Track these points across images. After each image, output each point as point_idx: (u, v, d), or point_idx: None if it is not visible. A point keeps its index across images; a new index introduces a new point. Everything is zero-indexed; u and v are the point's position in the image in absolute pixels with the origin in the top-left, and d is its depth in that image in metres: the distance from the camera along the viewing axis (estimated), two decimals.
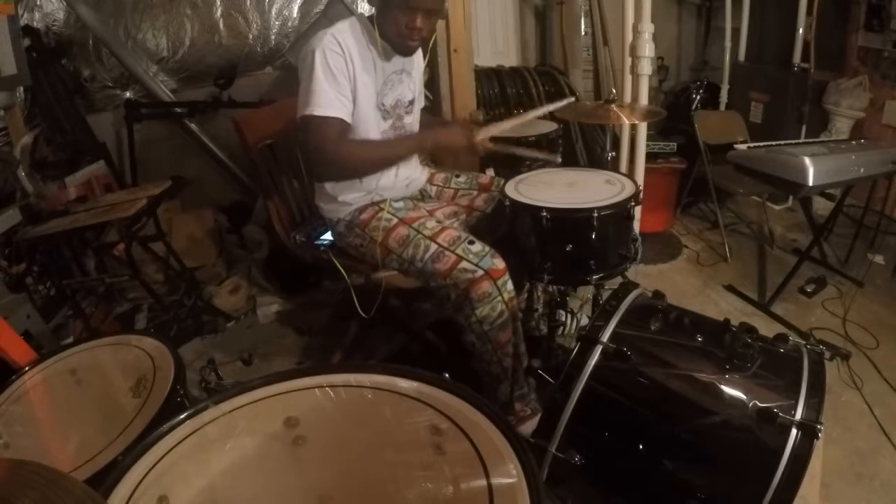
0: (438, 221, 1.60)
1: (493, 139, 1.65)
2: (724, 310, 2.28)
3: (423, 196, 1.84)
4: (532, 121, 1.95)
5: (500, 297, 1.47)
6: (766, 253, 2.78)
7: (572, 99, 1.99)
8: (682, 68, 4.20)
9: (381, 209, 1.62)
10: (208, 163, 3.02)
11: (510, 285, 1.49)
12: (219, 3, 2.80)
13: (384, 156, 1.60)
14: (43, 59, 2.50)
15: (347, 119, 1.50)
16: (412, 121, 1.74)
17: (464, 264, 1.46)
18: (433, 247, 1.51)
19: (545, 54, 3.77)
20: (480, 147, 1.61)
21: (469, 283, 1.45)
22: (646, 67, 2.21)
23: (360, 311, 1.65)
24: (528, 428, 1.52)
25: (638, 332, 1.12)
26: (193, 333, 2.28)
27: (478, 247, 1.49)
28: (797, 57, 3.15)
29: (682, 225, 3.13)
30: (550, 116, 2.10)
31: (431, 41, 1.61)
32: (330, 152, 1.48)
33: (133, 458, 0.84)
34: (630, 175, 2.04)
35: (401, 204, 1.69)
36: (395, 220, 1.60)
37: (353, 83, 1.50)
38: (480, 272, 1.45)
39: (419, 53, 1.74)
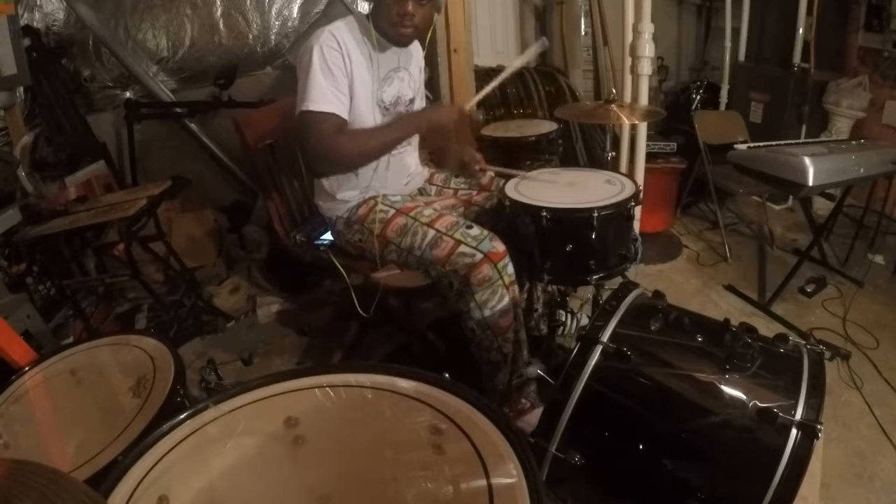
0: (435, 209, 1.60)
1: (487, 160, 1.69)
2: (724, 310, 2.28)
3: (421, 194, 1.84)
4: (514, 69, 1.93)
5: (500, 281, 1.45)
6: (766, 253, 2.78)
7: (544, 40, 1.97)
8: (682, 68, 4.19)
9: (378, 202, 1.62)
10: (208, 163, 3.02)
11: (511, 268, 1.47)
12: (219, 3, 2.80)
13: (381, 141, 1.57)
14: (43, 59, 2.50)
15: (344, 115, 1.50)
16: None
17: (462, 248, 1.45)
18: (431, 233, 1.50)
19: (545, 54, 3.77)
20: (470, 116, 1.61)
21: (469, 267, 1.44)
22: (646, 67, 2.21)
23: (359, 310, 1.65)
24: (527, 421, 1.52)
25: (638, 332, 1.12)
26: (193, 333, 2.28)
27: (476, 231, 1.48)
28: (797, 57, 3.14)
29: (682, 225, 3.13)
30: (550, 116, 2.10)
31: (428, 35, 1.61)
32: (326, 147, 1.48)
33: (133, 458, 0.84)
34: (630, 175, 2.05)
35: (398, 197, 1.69)
36: (392, 211, 1.59)
37: (350, 79, 1.50)
38: (480, 255, 1.44)
39: (418, 51, 1.74)
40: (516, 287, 1.52)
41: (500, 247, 1.46)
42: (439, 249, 1.48)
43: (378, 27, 1.53)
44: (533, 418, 1.51)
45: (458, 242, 1.46)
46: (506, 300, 1.47)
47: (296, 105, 1.50)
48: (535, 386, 1.62)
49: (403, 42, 1.56)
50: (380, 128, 1.61)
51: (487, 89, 1.67)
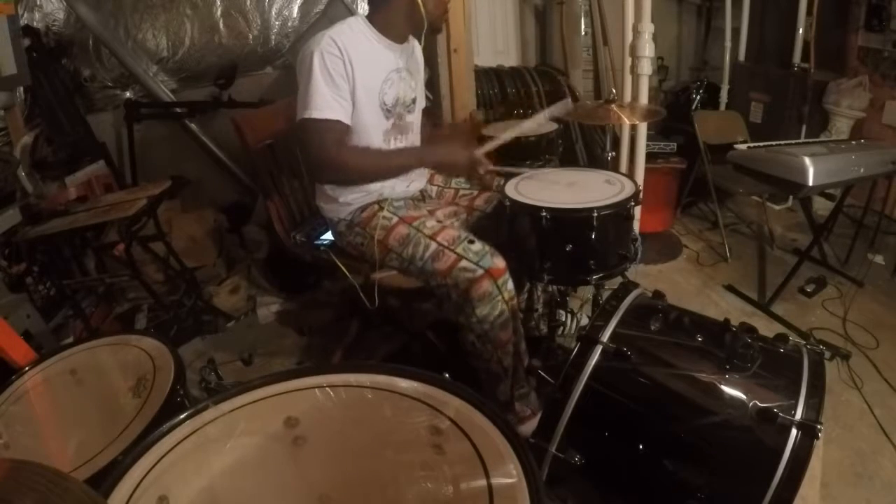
0: (438, 221, 1.60)
1: (488, 154, 1.66)
2: (724, 310, 2.28)
3: (423, 196, 1.84)
4: (532, 127, 1.96)
5: (500, 297, 1.46)
6: (766, 253, 2.78)
7: (568, 101, 1.99)
8: (682, 68, 4.20)
9: (382, 208, 1.62)
10: (208, 163, 3.02)
11: (510, 284, 1.49)
12: (219, 3, 2.80)
13: (384, 167, 1.60)
14: (43, 59, 2.50)
15: (346, 121, 1.50)
16: (414, 119, 1.73)
17: (464, 263, 1.46)
18: (433, 246, 1.51)
19: (545, 54, 3.77)
20: (481, 164, 1.61)
21: (469, 282, 1.45)
22: (646, 67, 2.21)
23: (365, 301, 1.65)
24: (528, 428, 1.52)
25: (638, 332, 1.12)
26: (193, 333, 2.28)
27: (478, 246, 1.49)
28: (797, 57, 3.15)
29: (682, 225, 3.13)
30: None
31: (424, 32, 1.62)
32: (328, 156, 1.48)
33: (133, 458, 0.84)
34: (630, 175, 2.05)
35: (401, 203, 1.69)
36: (395, 219, 1.60)
37: (352, 84, 1.50)
38: (481, 271, 1.45)
39: (418, 51, 1.74)
40: (516, 302, 1.53)
41: (500, 263, 1.47)
42: (441, 262, 1.49)
43: (379, 27, 1.53)
44: (534, 425, 1.51)
45: (460, 257, 1.47)
46: (505, 315, 1.48)
47: (297, 111, 1.49)
48: (536, 394, 1.63)
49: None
50: (388, 152, 1.62)
51: (505, 138, 1.68)
